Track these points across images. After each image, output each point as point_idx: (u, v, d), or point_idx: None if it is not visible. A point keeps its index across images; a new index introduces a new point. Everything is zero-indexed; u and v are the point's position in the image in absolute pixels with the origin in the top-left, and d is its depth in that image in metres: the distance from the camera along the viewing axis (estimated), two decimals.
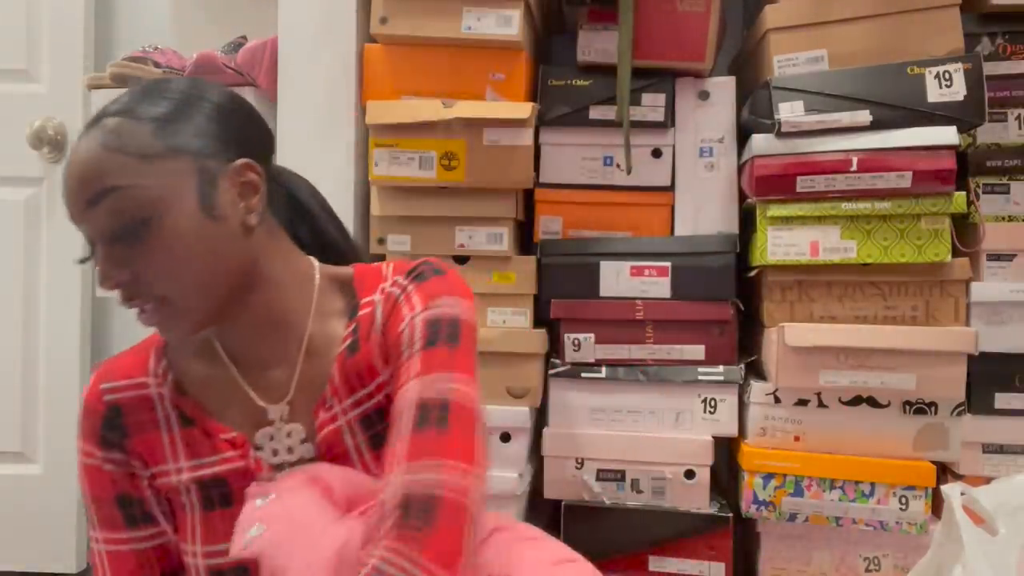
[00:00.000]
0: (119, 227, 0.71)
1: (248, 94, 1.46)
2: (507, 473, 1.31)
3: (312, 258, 0.86)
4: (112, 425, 0.81)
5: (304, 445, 0.81)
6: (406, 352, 0.76)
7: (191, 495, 0.80)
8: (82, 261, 0.78)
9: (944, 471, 1.31)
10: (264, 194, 0.78)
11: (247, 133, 0.80)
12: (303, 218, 0.90)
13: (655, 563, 1.31)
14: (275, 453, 0.80)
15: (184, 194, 0.72)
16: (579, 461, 1.33)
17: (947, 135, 1.21)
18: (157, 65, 1.48)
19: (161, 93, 0.75)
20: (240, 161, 0.76)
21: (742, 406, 1.33)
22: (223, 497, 0.80)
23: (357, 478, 0.78)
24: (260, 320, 0.80)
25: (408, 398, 0.73)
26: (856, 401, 1.27)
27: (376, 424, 0.80)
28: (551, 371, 1.34)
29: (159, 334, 0.77)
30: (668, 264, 1.32)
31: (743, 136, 1.36)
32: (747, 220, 1.36)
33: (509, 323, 1.36)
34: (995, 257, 1.29)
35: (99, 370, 0.84)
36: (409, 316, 0.77)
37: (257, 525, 0.70)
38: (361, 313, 0.81)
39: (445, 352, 0.74)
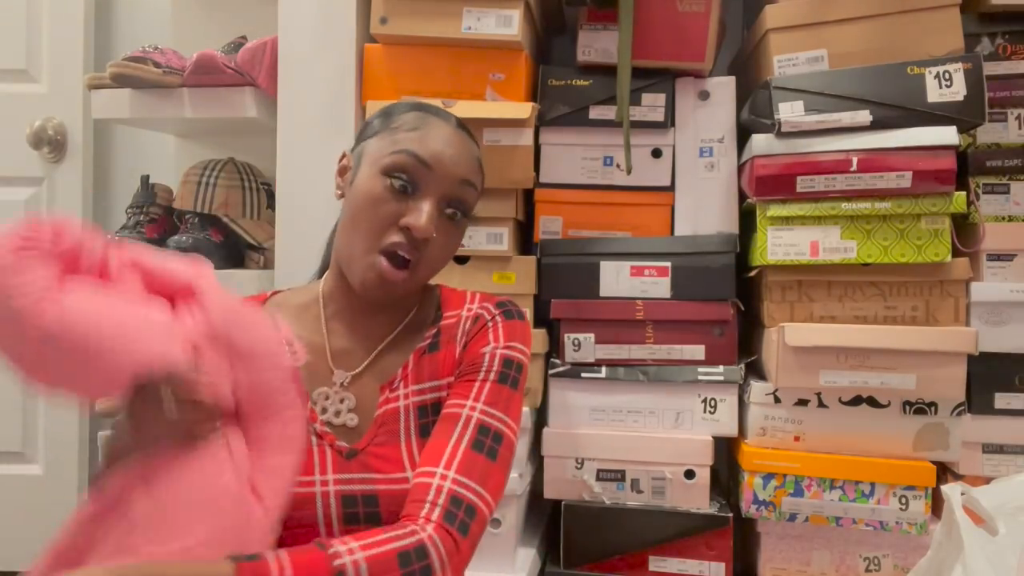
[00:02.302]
0: (461, 208, 0.91)
1: (248, 94, 1.46)
2: None
3: None
4: None
5: (350, 415, 0.90)
6: (481, 373, 0.88)
7: None
8: None
9: (944, 471, 1.31)
10: None
11: None
12: None
13: (655, 563, 1.31)
14: (324, 411, 0.90)
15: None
16: (579, 461, 1.33)
17: (947, 135, 1.21)
18: (157, 65, 1.48)
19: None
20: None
21: (742, 406, 1.33)
22: None
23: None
24: (388, 305, 0.93)
25: (468, 414, 0.85)
26: (856, 401, 1.27)
27: (428, 415, 0.90)
28: (551, 371, 1.34)
29: (385, 290, 0.88)
30: (668, 264, 1.32)
31: (743, 136, 1.35)
32: (747, 220, 1.36)
33: None
34: (995, 257, 1.29)
35: None
36: (493, 345, 0.90)
37: None
38: (444, 323, 0.95)
39: (508, 393, 0.88)
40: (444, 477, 0.79)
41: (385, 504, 0.85)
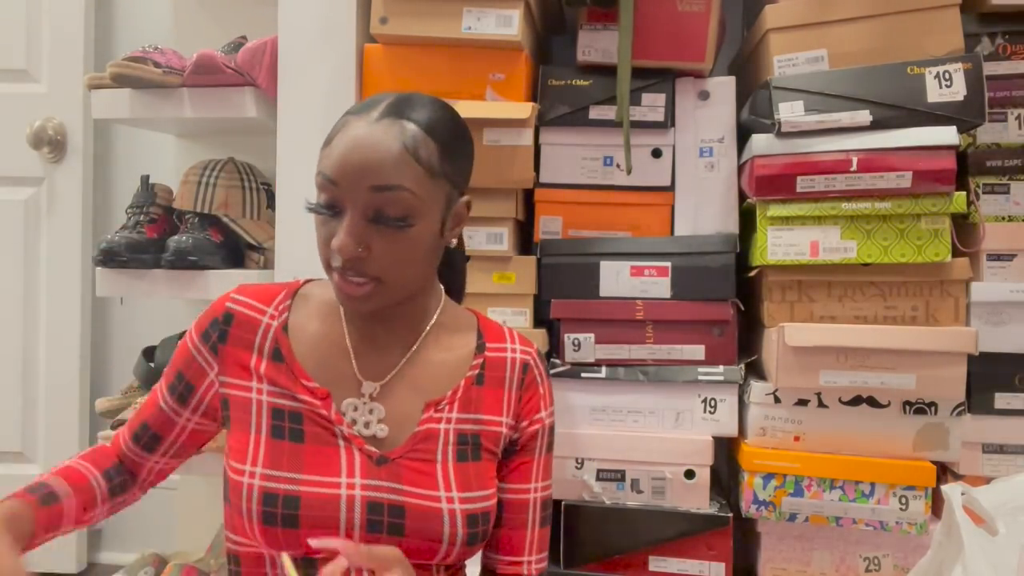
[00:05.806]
0: (386, 216, 0.82)
1: (248, 94, 1.46)
2: None
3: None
4: (218, 326, 0.92)
5: (380, 426, 0.90)
6: (537, 451, 0.98)
7: (261, 418, 0.89)
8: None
9: (944, 471, 1.31)
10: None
11: (471, 167, 0.95)
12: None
13: (655, 563, 1.31)
14: (353, 423, 0.90)
15: (435, 212, 0.86)
16: (579, 461, 1.33)
17: (947, 135, 1.21)
18: (157, 65, 1.48)
19: (446, 117, 0.88)
20: (466, 198, 0.93)
21: (742, 406, 1.33)
22: (294, 433, 0.88)
23: None
24: (400, 310, 0.93)
25: (533, 498, 0.97)
26: (856, 401, 1.27)
27: (466, 443, 0.92)
28: (551, 371, 1.34)
29: (352, 305, 0.86)
30: (668, 264, 1.32)
31: (743, 136, 1.36)
32: (747, 220, 1.36)
33: (509, 323, 1.35)
34: (995, 257, 1.29)
35: (240, 285, 0.96)
36: (545, 413, 0.99)
37: None
38: (488, 355, 0.97)
39: (550, 457, 1.00)
40: (530, 564, 0.96)
41: (411, 518, 0.85)
